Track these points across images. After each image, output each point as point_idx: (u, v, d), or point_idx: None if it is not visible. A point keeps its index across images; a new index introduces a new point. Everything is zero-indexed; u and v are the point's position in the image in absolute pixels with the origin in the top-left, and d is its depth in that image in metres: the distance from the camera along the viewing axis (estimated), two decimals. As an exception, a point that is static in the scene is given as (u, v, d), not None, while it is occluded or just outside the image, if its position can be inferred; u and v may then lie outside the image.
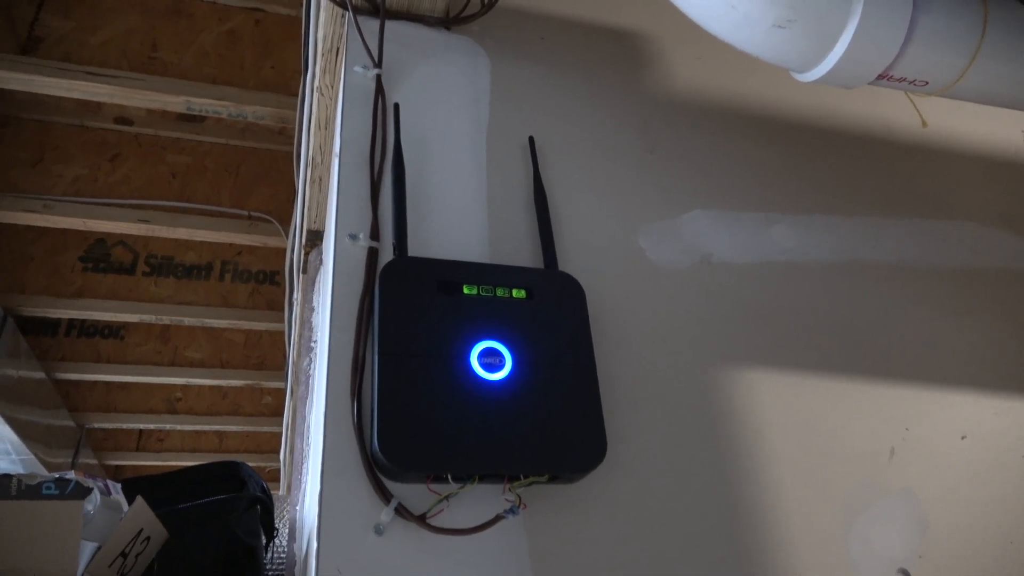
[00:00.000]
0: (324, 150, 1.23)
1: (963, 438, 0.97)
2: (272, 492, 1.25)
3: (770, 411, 0.89)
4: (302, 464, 1.24)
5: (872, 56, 0.75)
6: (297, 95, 1.38)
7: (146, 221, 2.26)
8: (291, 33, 2.20)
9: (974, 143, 1.29)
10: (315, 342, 1.31)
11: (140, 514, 0.89)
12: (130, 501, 0.90)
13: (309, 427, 1.25)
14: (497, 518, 0.68)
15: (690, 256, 0.98)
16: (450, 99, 0.97)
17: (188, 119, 2.40)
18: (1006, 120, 1.34)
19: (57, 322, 2.77)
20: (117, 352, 2.85)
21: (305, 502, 1.05)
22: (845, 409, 0.93)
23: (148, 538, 0.90)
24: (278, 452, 2.61)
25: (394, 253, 0.80)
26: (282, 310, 1.98)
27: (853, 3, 0.73)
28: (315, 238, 1.48)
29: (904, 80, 0.79)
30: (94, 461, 3.43)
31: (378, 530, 0.67)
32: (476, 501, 0.70)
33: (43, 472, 2.47)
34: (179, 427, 3.30)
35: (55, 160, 2.27)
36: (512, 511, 0.68)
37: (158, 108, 2.23)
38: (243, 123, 2.40)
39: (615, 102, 1.08)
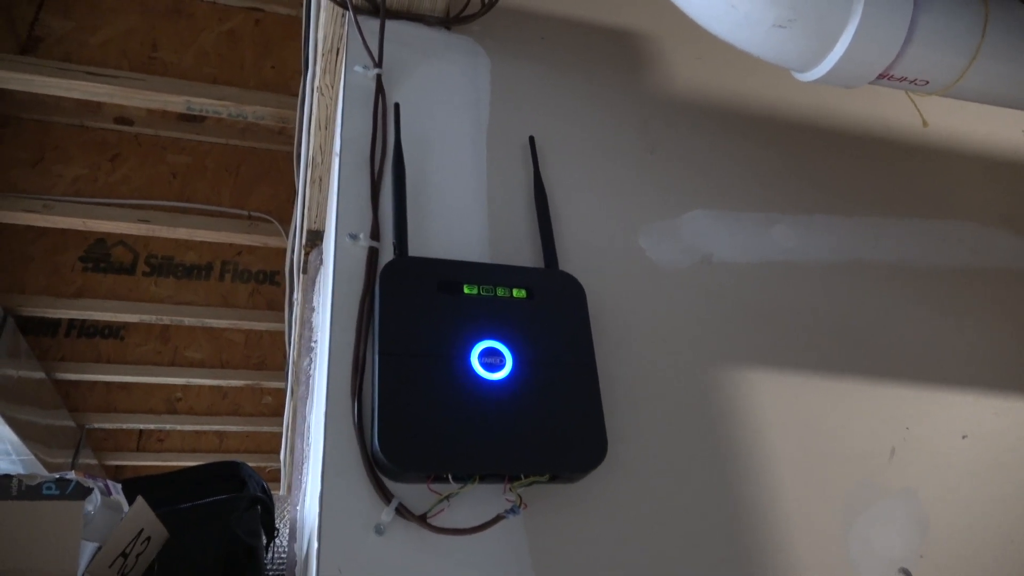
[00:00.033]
0: (324, 150, 1.23)
1: (963, 438, 0.97)
2: (272, 492, 1.25)
3: (770, 411, 0.89)
4: (302, 464, 1.24)
5: (873, 56, 0.75)
6: (297, 95, 1.38)
7: (146, 221, 2.26)
8: (291, 33, 2.20)
9: (975, 143, 1.29)
10: (315, 342, 1.31)
11: (140, 514, 0.89)
12: (130, 501, 0.90)
13: (309, 427, 1.25)
14: (498, 518, 0.68)
15: (690, 256, 0.98)
16: (450, 99, 0.97)
17: (188, 119, 2.40)
18: (1007, 120, 1.34)
19: (57, 322, 2.77)
20: (117, 352, 2.85)
21: (306, 502, 1.05)
22: (845, 409, 0.93)
23: (149, 538, 0.90)
24: (278, 452, 2.61)
25: (394, 253, 0.80)
26: (282, 310, 1.98)
27: (854, 3, 0.73)
28: (315, 238, 1.48)
29: (905, 80, 0.79)
30: (94, 461, 3.43)
31: (379, 530, 0.67)
32: (477, 501, 0.70)
33: (43, 472, 2.47)
34: (179, 427, 3.30)
35: (55, 160, 2.27)
36: (513, 511, 0.68)
37: (158, 108, 2.23)
38: (243, 123, 2.40)
39: (615, 102, 1.08)
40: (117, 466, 3.62)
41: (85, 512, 0.82)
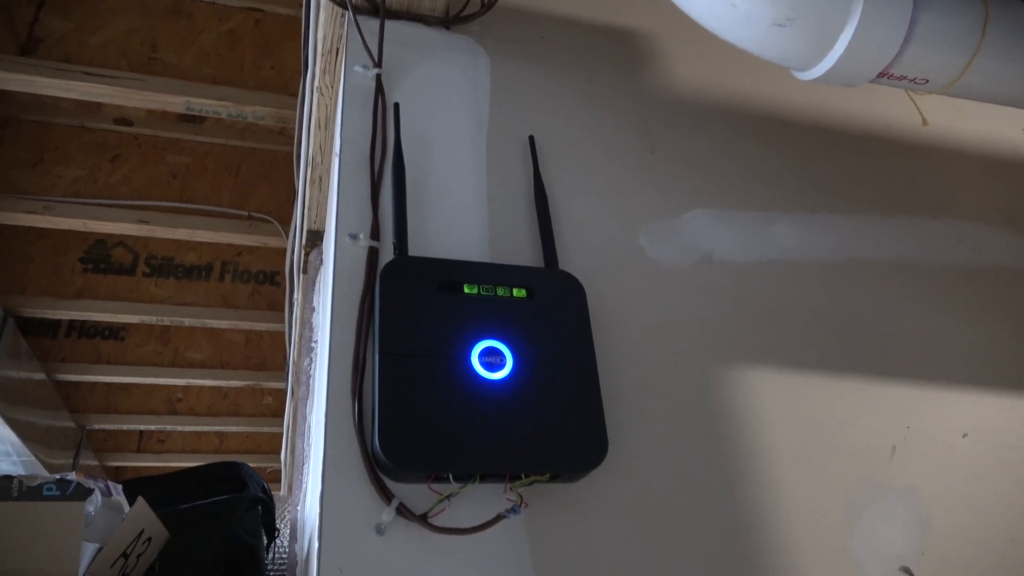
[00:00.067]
0: (324, 150, 1.23)
1: (964, 436, 0.97)
2: (273, 492, 1.25)
3: (771, 410, 0.89)
4: (303, 464, 1.24)
5: (872, 54, 0.75)
6: (297, 95, 1.38)
7: (146, 222, 2.26)
8: (291, 33, 2.20)
9: (975, 141, 1.29)
10: (315, 342, 1.31)
11: (141, 515, 0.89)
12: (131, 502, 0.90)
13: (310, 427, 1.25)
14: (498, 517, 0.68)
15: (690, 255, 0.98)
16: (450, 99, 0.97)
17: (188, 119, 2.40)
18: (1007, 118, 1.34)
19: (57, 323, 2.77)
20: (117, 353, 2.85)
21: (306, 502, 1.05)
22: (846, 407, 0.93)
23: (149, 539, 0.90)
24: (279, 453, 2.62)
25: (394, 253, 0.80)
26: (282, 310, 1.98)
27: (853, 1, 0.72)
28: (315, 238, 1.48)
29: (904, 78, 0.79)
30: (95, 462, 3.43)
31: (379, 530, 0.67)
32: (477, 500, 0.70)
33: (44, 473, 2.48)
34: (180, 428, 3.30)
35: (55, 161, 2.27)
36: (513, 510, 0.68)
37: (158, 108, 2.23)
38: (243, 123, 2.40)
39: (615, 102, 1.08)
40: (118, 467, 3.62)
41: (86, 513, 0.82)
